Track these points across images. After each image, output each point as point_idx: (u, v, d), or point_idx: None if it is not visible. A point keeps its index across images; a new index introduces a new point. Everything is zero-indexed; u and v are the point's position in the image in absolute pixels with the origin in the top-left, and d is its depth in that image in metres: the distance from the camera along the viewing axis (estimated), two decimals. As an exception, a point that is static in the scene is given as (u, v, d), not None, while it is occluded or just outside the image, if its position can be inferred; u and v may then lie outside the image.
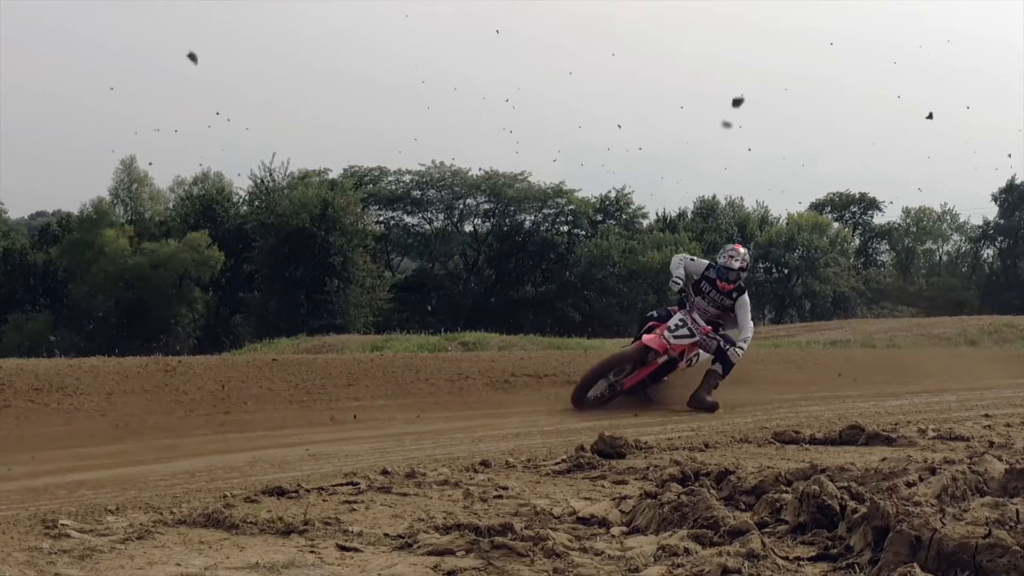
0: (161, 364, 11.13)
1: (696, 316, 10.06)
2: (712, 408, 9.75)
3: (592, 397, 9.85)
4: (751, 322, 10.28)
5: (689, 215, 56.46)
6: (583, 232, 53.86)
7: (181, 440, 7.77)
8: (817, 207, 59.55)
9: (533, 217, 54.17)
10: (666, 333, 9.94)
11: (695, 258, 10.68)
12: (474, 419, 9.02)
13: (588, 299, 50.18)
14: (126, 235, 45.40)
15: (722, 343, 9.99)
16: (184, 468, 6.40)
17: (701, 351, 10.11)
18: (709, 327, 10.06)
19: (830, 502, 3.95)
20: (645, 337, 10.02)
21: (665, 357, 10.00)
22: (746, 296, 10.25)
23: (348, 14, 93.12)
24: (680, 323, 10.00)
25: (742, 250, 10.44)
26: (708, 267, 10.35)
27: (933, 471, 4.65)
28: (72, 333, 42.07)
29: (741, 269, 10.22)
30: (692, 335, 9.97)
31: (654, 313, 10.56)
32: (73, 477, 6.01)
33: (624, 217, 54.95)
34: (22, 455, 6.83)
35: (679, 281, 10.09)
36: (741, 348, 10.04)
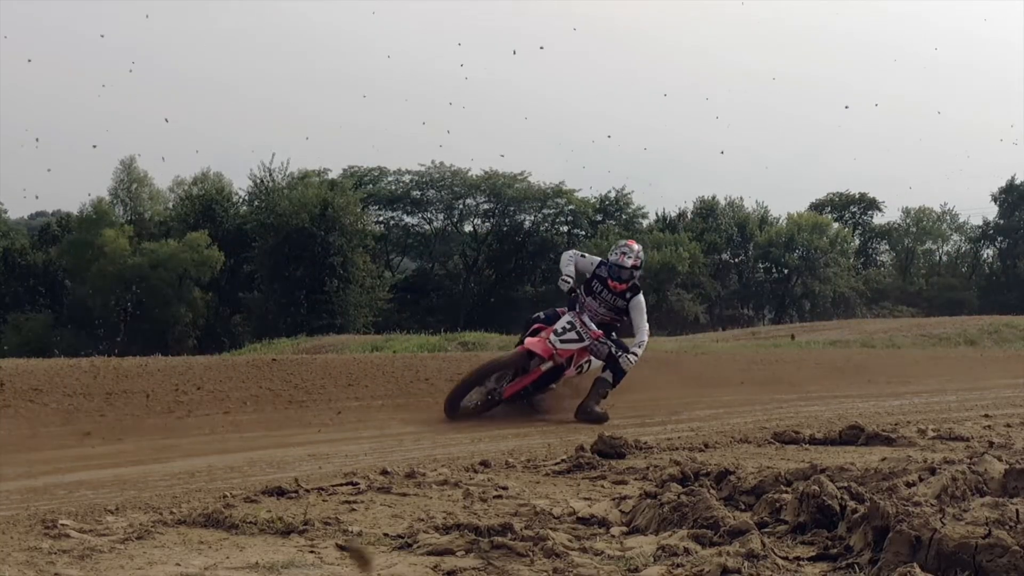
0: (161, 364, 11.12)
1: (586, 318, 9.16)
2: (601, 419, 8.89)
3: (467, 406, 8.95)
4: (647, 326, 9.36)
5: (689, 215, 56.48)
6: (583, 232, 53.88)
7: (181, 440, 7.76)
8: (817, 207, 59.59)
9: (533, 217, 54.28)
10: (552, 337, 9.01)
11: (586, 255, 9.77)
12: (473, 419, 9.01)
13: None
14: (126, 235, 45.43)
15: (614, 349, 9.11)
16: (184, 468, 6.40)
17: (593, 357, 9.21)
18: (600, 331, 9.16)
19: (830, 502, 3.95)
20: (528, 341, 9.14)
21: (550, 363, 9.05)
22: (641, 297, 9.41)
23: (348, 14, 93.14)
24: (568, 326, 9.08)
25: (636, 247, 9.59)
26: (600, 265, 9.48)
27: (933, 471, 4.65)
28: (72, 333, 42.11)
29: (634, 267, 9.36)
30: (581, 339, 9.05)
31: (541, 314, 9.55)
32: (73, 477, 6.01)
33: (624, 217, 54.98)
34: (21, 455, 6.82)
35: (568, 280, 9.23)
36: (634, 354, 9.16)
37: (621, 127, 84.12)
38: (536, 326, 9.32)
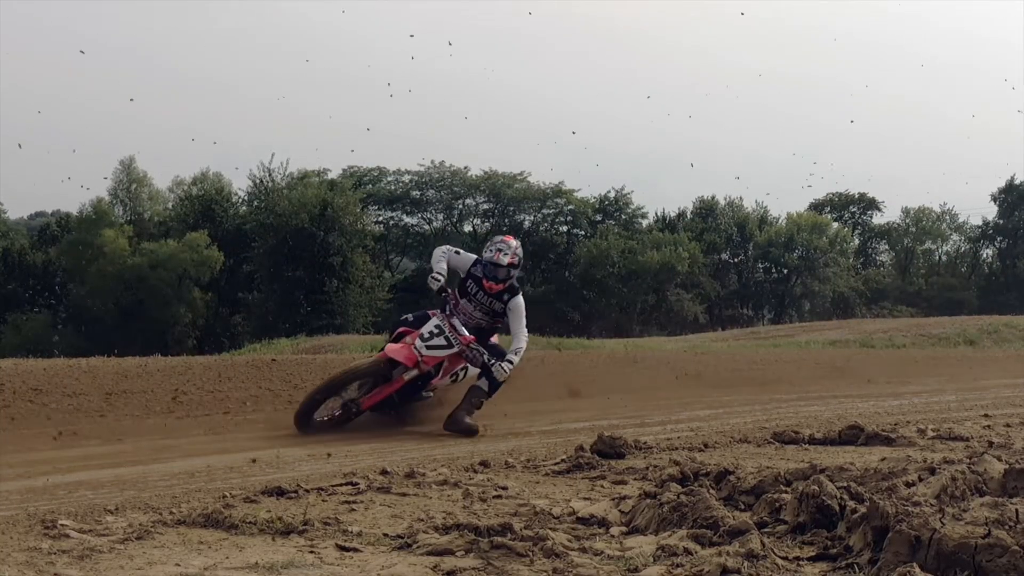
0: (161, 364, 11.13)
1: (456, 322, 8.31)
2: (470, 432, 8.12)
3: (321, 419, 8.16)
4: (526, 331, 8.54)
5: (688, 215, 56.49)
6: (582, 232, 53.92)
7: (180, 440, 7.77)
8: (816, 207, 59.61)
9: (532, 217, 54.30)
10: (417, 342, 8.18)
11: (461, 251, 8.81)
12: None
13: (587, 299, 50.21)
14: (125, 235, 45.42)
15: (487, 356, 8.23)
16: (183, 468, 6.40)
17: (470, 365, 8.43)
18: (473, 336, 8.31)
19: (829, 502, 3.95)
20: (389, 347, 8.31)
21: (415, 372, 8.22)
22: (520, 299, 8.58)
23: (348, 14, 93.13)
24: (435, 330, 8.24)
25: (513, 242, 8.65)
26: (475, 263, 8.59)
27: (932, 471, 4.65)
28: (71, 333, 42.15)
29: (512, 265, 8.48)
30: (450, 346, 8.22)
31: (409, 317, 8.71)
32: (72, 477, 6.01)
33: (623, 217, 54.99)
34: (21, 455, 6.82)
35: (439, 278, 8.36)
36: (510, 363, 8.27)
37: (621, 127, 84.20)
38: (401, 329, 8.51)
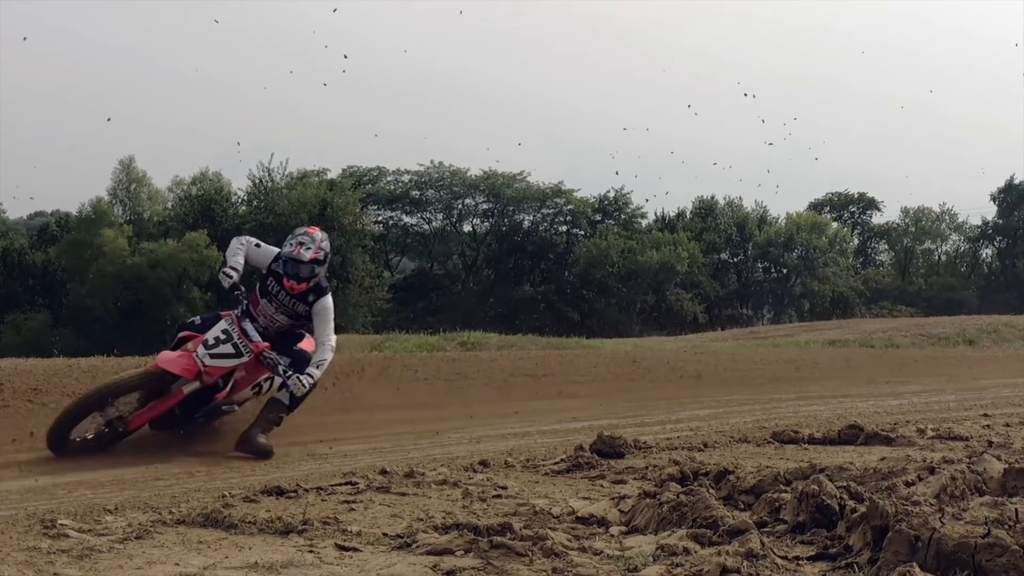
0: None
1: (249, 327, 7.14)
2: (263, 454, 7.02)
3: (81, 438, 6.89)
4: (333, 338, 7.39)
5: (688, 215, 56.49)
6: (582, 232, 53.90)
7: (179, 440, 7.76)
8: (816, 207, 59.61)
9: (532, 217, 54.23)
10: (200, 350, 6.99)
11: (263, 244, 7.66)
12: (473, 418, 9.01)
13: (587, 299, 50.19)
14: (125, 235, 45.39)
15: (283, 367, 7.08)
16: (183, 468, 6.41)
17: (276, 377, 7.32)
18: (267, 344, 7.14)
19: (829, 502, 3.95)
20: (163, 356, 7.07)
21: (196, 384, 6.99)
22: (328, 300, 7.46)
23: (348, 14, 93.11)
24: (222, 336, 7.05)
25: (319, 234, 7.59)
26: (275, 258, 7.46)
27: (932, 471, 4.65)
28: (71, 333, 42.08)
29: (316, 261, 7.39)
30: (238, 354, 7.03)
31: (196, 319, 7.60)
32: (72, 477, 6.01)
33: (623, 217, 54.97)
34: (21, 455, 6.82)
35: (232, 273, 7.20)
36: (310, 376, 7.08)
37: (621, 127, 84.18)
38: (184, 334, 7.34)
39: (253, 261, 7.48)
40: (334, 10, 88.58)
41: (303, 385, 7.03)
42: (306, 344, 7.61)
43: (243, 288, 7.28)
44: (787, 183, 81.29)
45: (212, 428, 7.64)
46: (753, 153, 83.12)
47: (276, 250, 7.53)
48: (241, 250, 7.44)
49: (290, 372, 7.08)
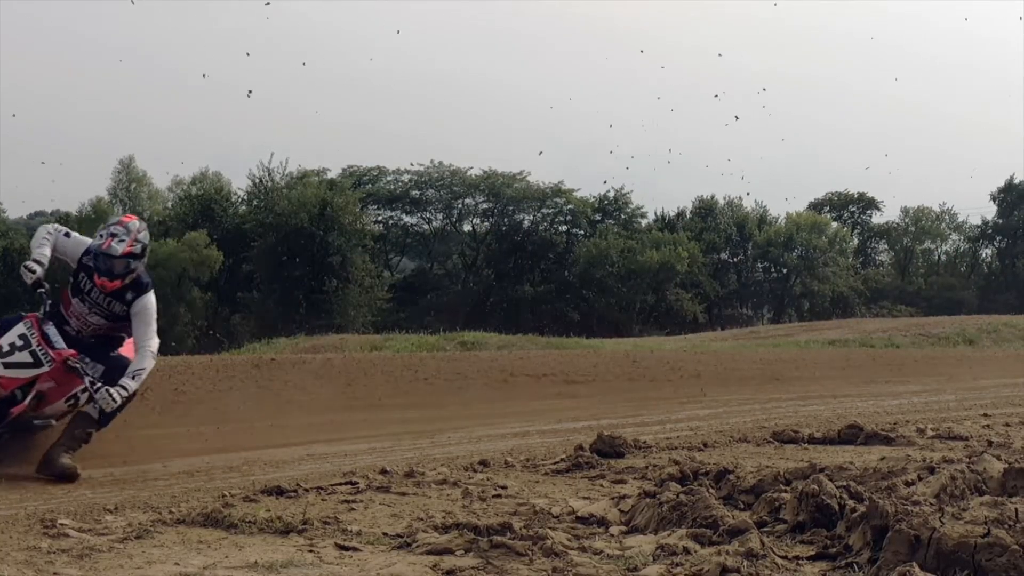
0: (160, 364, 11.10)
1: (51, 331, 6.19)
2: (66, 476, 6.08)
3: None
4: (154, 342, 6.35)
5: (688, 215, 56.49)
6: (582, 232, 53.90)
7: (179, 439, 7.77)
8: (815, 207, 59.62)
9: (532, 217, 54.22)
10: None
11: (74, 233, 6.68)
12: (473, 418, 9.01)
13: (587, 299, 50.19)
14: (125, 235, 45.39)
15: (91, 377, 6.10)
16: (183, 467, 6.41)
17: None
18: (72, 351, 6.15)
19: (829, 501, 3.95)
20: None
21: None
22: (150, 299, 6.41)
23: (348, 14, 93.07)
24: (19, 343, 6.10)
25: (134, 224, 6.50)
26: (86, 251, 6.45)
27: (932, 470, 4.65)
28: (71, 333, 42.03)
29: (131, 255, 6.33)
30: (37, 363, 6.04)
31: None
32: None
33: (623, 217, 54.97)
34: (21, 455, 6.81)
35: (34, 268, 6.25)
36: (123, 388, 6.07)
37: (621, 127, 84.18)
38: None
39: (62, 253, 6.52)
40: (331, 11, 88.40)
41: (113, 399, 6.03)
42: (127, 350, 6.61)
43: (47, 285, 6.30)
44: (787, 183, 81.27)
45: (22, 447, 6.54)
46: (753, 153, 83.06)
47: (88, 241, 6.55)
48: (48, 241, 6.46)
49: (98, 384, 6.08)
